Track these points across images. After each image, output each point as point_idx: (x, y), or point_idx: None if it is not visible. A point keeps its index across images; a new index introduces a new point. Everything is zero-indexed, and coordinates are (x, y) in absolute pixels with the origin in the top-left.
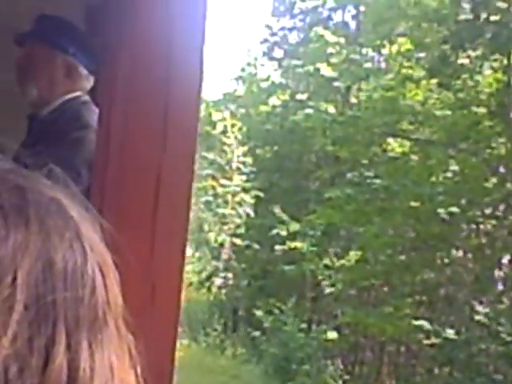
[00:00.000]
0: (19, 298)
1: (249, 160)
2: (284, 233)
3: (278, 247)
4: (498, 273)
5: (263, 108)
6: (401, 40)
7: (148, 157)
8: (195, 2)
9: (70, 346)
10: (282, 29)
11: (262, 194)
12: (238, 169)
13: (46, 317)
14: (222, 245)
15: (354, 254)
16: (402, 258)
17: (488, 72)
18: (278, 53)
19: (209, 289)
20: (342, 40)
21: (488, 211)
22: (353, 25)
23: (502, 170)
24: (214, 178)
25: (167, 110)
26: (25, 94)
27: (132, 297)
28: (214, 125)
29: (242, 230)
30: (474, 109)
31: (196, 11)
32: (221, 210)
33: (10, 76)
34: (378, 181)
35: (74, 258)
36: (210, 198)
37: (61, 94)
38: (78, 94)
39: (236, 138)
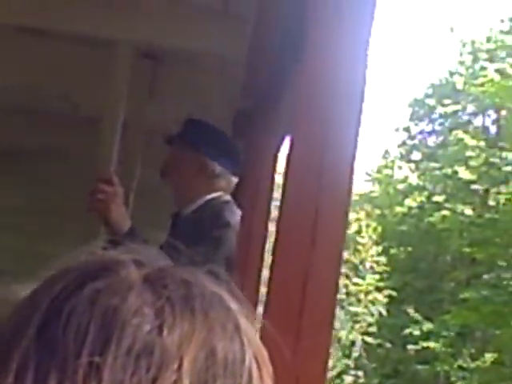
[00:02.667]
0: (185, 382)
1: (382, 259)
2: (417, 332)
3: (410, 347)
4: None
5: (399, 209)
6: None
7: (294, 257)
8: (351, 109)
9: None
10: (421, 132)
11: (395, 294)
12: (372, 268)
13: None
14: (353, 343)
15: (490, 356)
16: None
17: None
18: (416, 155)
19: None
20: (482, 144)
21: None
22: (493, 129)
23: None
24: (347, 276)
25: (317, 209)
26: (171, 193)
27: None
28: (348, 225)
29: (373, 329)
30: None
31: (350, 117)
32: (353, 309)
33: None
34: None
35: (234, 348)
36: (343, 296)
37: (203, 194)
38: (219, 193)
39: (370, 237)
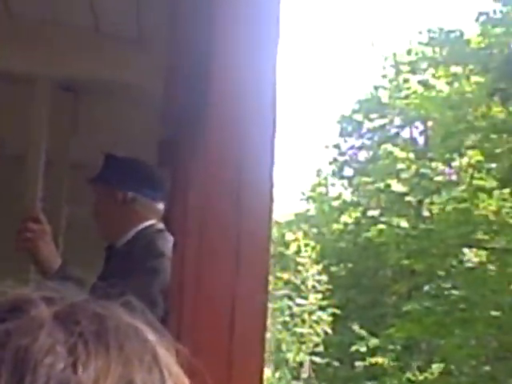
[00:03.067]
0: None
1: (324, 278)
2: (364, 349)
3: (358, 363)
4: None
5: (335, 226)
6: (470, 152)
7: (222, 281)
8: (265, 126)
9: None
10: (351, 148)
11: (338, 312)
12: (314, 287)
13: None
14: (301, 364)
15: (437, 367)
16: (487, 368)
17: None
18: (348, 171)
19: None
20: (412, 155)
21: None
22: (421, 140)
23: None
24: (289, 297)
25: (239, 236)
26: (98, 230)
27: None
28: (287, 245)
29: (320, 348)
30: None
31: (265, 139)
32: (298, 330)
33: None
34: (456, 292)
35: (153, 380)
36: (287, 318)
37: (133, 225)
38: (150, 222)
39: (310, 257)
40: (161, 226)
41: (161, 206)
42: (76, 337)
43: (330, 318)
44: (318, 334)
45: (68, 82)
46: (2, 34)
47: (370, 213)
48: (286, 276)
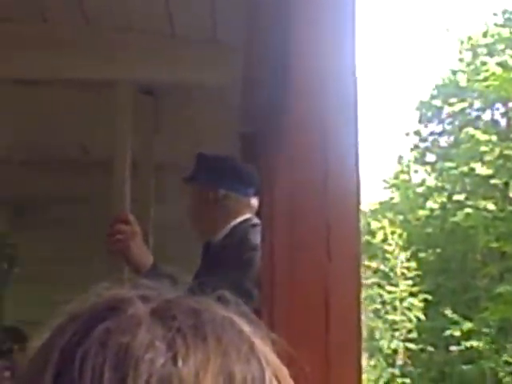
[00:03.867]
0: None
1: (413, 264)
2: (458, 333)
3: (453, 348)
4: None
5: (421, 212)
6: None
7: (314, 272)
8: (348, 121)
9: None
10: (432, 134)
11: (430, 297)
12: (403, 274)
13: None
14: (395, 351)
15: None
16: None
17: None
18: (430, 157)
19: None
20: (494, 138)
21: None
22: (503, 122)
23: None
24: (379, 285)
25: (328, 226)
26: (194, 228)
27: None
28: (373, 234)
29: (414, 335)
30: None
31: (349, 130)
32: (390, 317)
33: (177, 209)
34: None
35: (252, 369)
36: (379, 306)
37: (228, 221)
38: (246, 217)
39: (397, 244)
40: (256, 220)
41: (254, 200)
42: (174, 331)
43: (422, 304)
44: (410, 321)
45: (148, 86)
46: (81, 42)
47: (456, 197)
48: (374, 264)
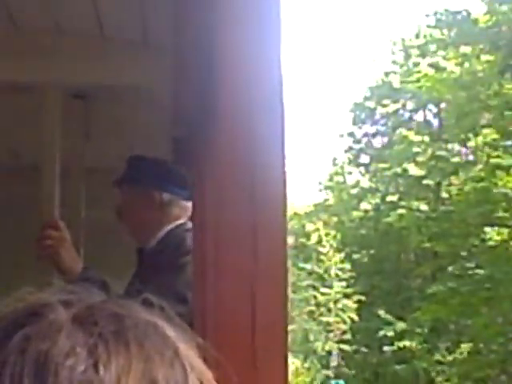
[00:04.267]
0: None
1: (347, 266)
2: (391, 333)
3: (386, 348)
4: None
5: (355, 214)
6: (485, 131)
7: (240, 275)
8: (274, 124)
9: None
10: (366, 135)
11: (363, 298)
12: (337, 276)
13: None
14: (329, 352)
15: (465, 347)
16: None
17: None
18: (364, 159)
19: None
20: (427, 138)
21: None
22: (435, 122)
23: None
24: (314, 287)
25: (255, 229)
26: (129, 232)
27: None
28: (308, 236)
29: (348, 336)
30: None
31: (275, 132)
32: (325, 319)
33: (109, 214)
34: (480, 271)
35: (175, 375)
36: (313, 308)
37: (163, 225)
38: (180, 221)
39: (331, 246)
40: (190, 224)
41: (189, 204)
42: (95, 337)
43: (356, 305)
44: (344, 322)
45: (77, 89)
46: (8, 45)
47: (389, 198)
48: (308, 266)
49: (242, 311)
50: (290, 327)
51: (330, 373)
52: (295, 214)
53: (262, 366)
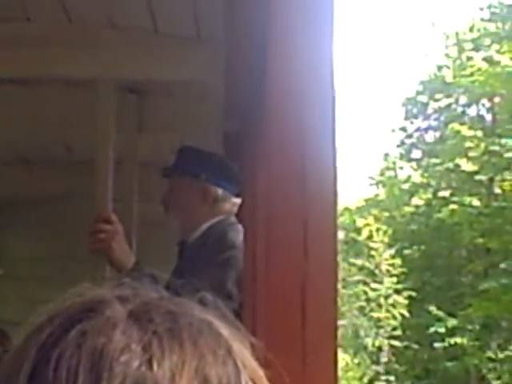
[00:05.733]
0: None
1: (398, 261)
2: (442, 330)
3: (437, 345)
4: None
5: (407, 209)
6: None
7: (291, 269)
8: (325, 118)
9: None
10: (418, 130)
11: (414, 294)
12: (388, 271)
13: None
14: (380, 348)
15: None
16: None
17: None
18: (416, 154)
19: None
20: (480, 133)
21: None
22: (488, 117)
23: None
24: (364, 283)
25: (306, 220)
26: (176, 224)
27: None
28: (359, 231)
29: (398, 332)
30: None
31: (326, 126)
32: (375, 314)
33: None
34: None
35: (228, 373)
36: (363, 303)
37: (206, 219)
38: (222, 217)
39: (382, 241)
40: (232, 219)
41: (237, 200)
42: (150, 334)
43: (406, 301)
44: (394, 318)
45: (131, 84)
46: (63, 41)
47: (441, 193)
48: (359, 262)
49: (292, 306)
50: (340, 323)
51: (380, 369)
52: (346, 208)
53: (312, 362)
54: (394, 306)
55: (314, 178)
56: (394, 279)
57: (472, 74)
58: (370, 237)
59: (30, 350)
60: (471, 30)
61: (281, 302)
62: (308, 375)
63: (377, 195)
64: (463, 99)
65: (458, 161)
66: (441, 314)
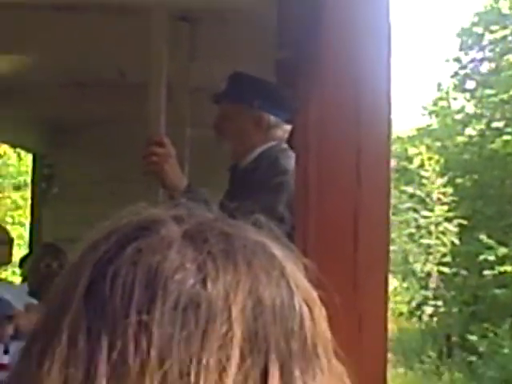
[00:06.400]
0: (237, 332)
1: (449, 190)
2: (492, 258)
3: (487, 272)
4: None
5: (459, 139)
6: None
7: (343, 195)
8: (380, 46)
9: (283, 376)
10: (472, 61)
11: (465, 222)
12: (439, 199)
13: (259, 349)
14: (429, 274)
15: None
16: None
17: None
18: (470, 84)
19: (419, 318)
20: None
21: None
22: None
23: None
24: (415, 210)
25: (359, 148)
26: (226, 149)
27: (339, 330)
28: (410, 160)
29: (448, 259)
30: None
31: (381, 55)
32: (425, 241)
33: (213, 133)
34: None
35: (281, 294)
36: (413, 230)
37: (258, 145)
38: (274, 143)
39: (434, 170)
40: (284, 145)
41: (287, 127)
42: (205, 254)
43: (457, 229)
44: (444, 245)
45: (183, 12)
46: None
47: (495, 124)
48: (410, 189)
49: (345, 231)
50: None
51: (429, 294)
52: (398, 137)
53: (363, 284)
54: (444, 233)
55: (368, 106)
56: (445, 207)
57: None
58: (421, 165)
59: (87, 266)
60: None
61: (333, 227)
62: (359, 298)
63: (429, 125)
64: None
65: None
66: (491, 242)
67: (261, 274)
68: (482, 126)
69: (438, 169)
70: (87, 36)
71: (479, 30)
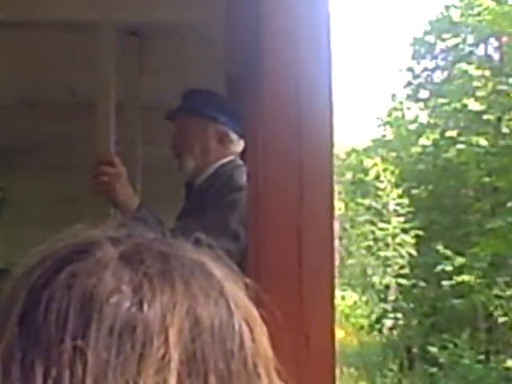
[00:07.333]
0: (174, 355)
1: (405, 201)
2: (449, 268)
3: (445, 283)
4: None
5: (414, 149)
6: None
7: (286, 208)
8: (320, 56)
9: None
10: (425, 70)
11: (422, 233)
12: (395, 211)
13: (198, 371)
14: (387, 287)
15: None
16: None
17: None
18: (423, 94)
19: (380, 331)
20: (487, 73)
21: None
22: (496, 56)
23: None
24: (372, 222)
25: (302, 165)
26: (182, 166)
27: (286, 347)
28: (366, 172)
29: (406, 270)
30: None
31: (321, 67)
32: (383, 253)
33: (165, 151)
34: None
35: (220, 314)
36: (371, 243)
37: (214, 161)
38: (230, 158)
39: (389, 181)
40: (239, 161)
41: (242, 142)
42: (141, 275)
43: (414, 240)
44: (402, 257)
45: (132, 27)
46: None
47: (448, 133)
48: (367, 202)
49: (289, 248)
50: (348, 262)
51: (388, 306)
52: (353, 149)
53: (309, 301)
54: (401, 245)
55: (310, 121)
56: (402, 219)
57: (479, 14)
58: (377, 177)
59: (21, 292)
60: None
61: (277, 244)
62: (305, 314)
63: (384, 136)
64: (471, 39)
65: (465, 100)
66: (448, 252)
67: (199, 294)
68: (436, 136)
69: (393, 180)
70: (34, 54)
71: (431, 38)
